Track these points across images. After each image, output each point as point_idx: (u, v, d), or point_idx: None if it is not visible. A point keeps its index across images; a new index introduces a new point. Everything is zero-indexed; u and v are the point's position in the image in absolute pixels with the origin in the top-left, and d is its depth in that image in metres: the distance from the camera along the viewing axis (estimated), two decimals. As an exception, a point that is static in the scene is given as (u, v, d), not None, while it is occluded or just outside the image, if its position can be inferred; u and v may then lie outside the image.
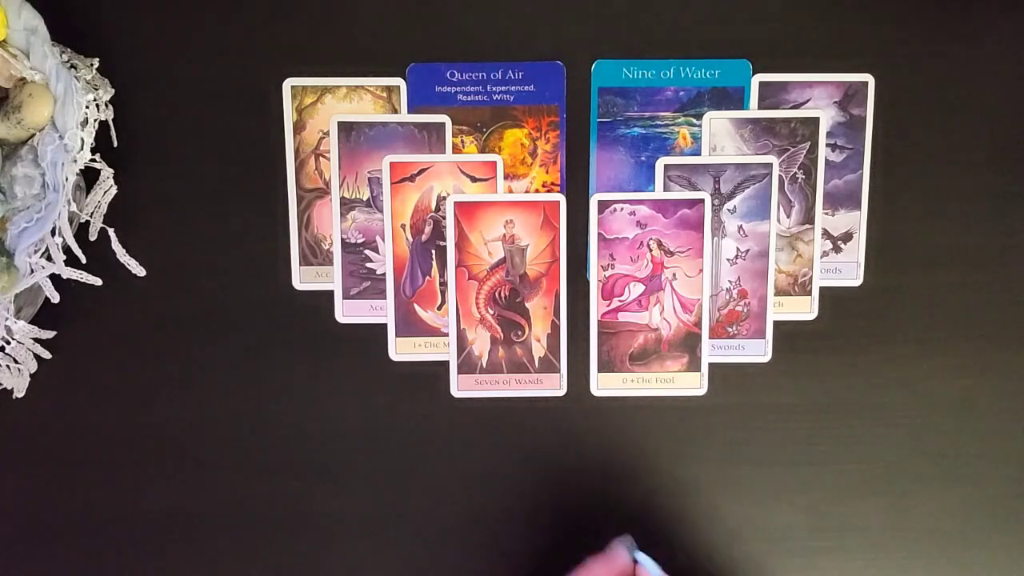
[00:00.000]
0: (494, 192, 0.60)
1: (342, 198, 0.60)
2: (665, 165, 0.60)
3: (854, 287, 0.61)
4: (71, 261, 0.55)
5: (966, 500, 0.62)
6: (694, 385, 0.61)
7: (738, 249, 0.61)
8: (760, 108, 0.60)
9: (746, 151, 0.60)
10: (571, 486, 0.61)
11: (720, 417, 0.61)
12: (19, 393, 0.59)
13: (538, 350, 0.61)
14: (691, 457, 0.61)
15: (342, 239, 0.60)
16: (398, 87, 0.60)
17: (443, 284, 0.61)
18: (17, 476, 0.61)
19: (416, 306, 0.61)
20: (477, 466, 0.61)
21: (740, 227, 0.61)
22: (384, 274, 0.61)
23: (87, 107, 0.54)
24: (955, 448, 0.61)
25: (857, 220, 0.61)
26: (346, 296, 0.61)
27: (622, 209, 0.60)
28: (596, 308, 0.61)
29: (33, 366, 0.59)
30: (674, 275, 0.60)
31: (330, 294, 0.61)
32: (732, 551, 0.62)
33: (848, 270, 0.61)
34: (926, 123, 0.60)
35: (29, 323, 0.57)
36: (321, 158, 0.60)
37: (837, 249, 0.61)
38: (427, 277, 0.61)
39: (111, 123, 0.57)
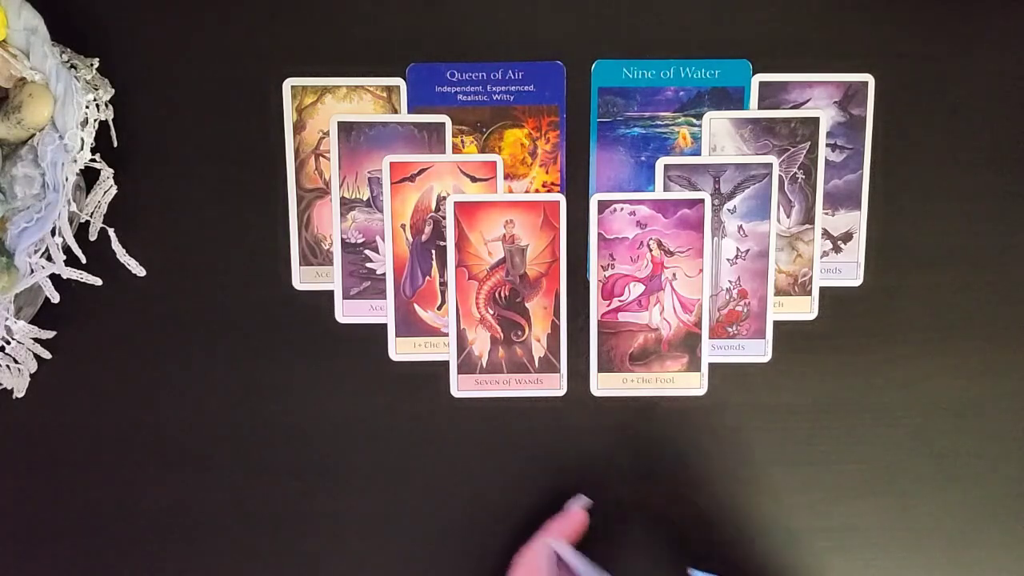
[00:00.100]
0: (494, 192, 0.60)
1: (342, 198, 0.60)
2: (665, 165, 0.60)
3: (854, 287, 0.61)
4: (71, 261, 0.55)
5: (966, 500, 0.62)
6: (694, 385, 0.61)
7: (738, 249, 0.61)
8: (760, 108, 0.60)
9: (746, 151, 0.60)
10: (571, 486, 0.61)
11: (720, 417, 0.61)
12: (19, 393, 0.59)
13: (538, 350, 0.61)
14: (691, 457, 0.61)
15: (342, 239, 0.60)
16: (398, 87, 0.60)
17: (443, 284, 0.61)
18: (17, 476, 0.61)
19: (416, 306, 0.61)
20: (477, 466, 0.61)
21: (740, 227, 0.61)
22: (384, 274, 0.61)
23: (87, 107, 0.54)
24: (955, 448, 0.61)
25: (857, 220, 0.61)
26: (346, 296, 0.61)
27: (622, 209, 0.60)
28: (596, 308, 0.61)
29: (33, 366, 0.59)
30: (674, 275, 0.60)
31: (330, 294, 0.61)
32: (732, 551, 0.62)
33: (848, 270, 0.61)
34: (926, 123, 0.60)
35: (29, 323, 0.57)
36: (321, 158, 0.60)
37: (837, 249, 0.61)
38: (427, 277, 0.61)
39: (111, 123, 0.57)
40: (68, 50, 0.56)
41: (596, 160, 0.60)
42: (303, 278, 0.61)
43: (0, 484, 0.61)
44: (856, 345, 0.61)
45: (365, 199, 0.60)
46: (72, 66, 0.54)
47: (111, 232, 0.58)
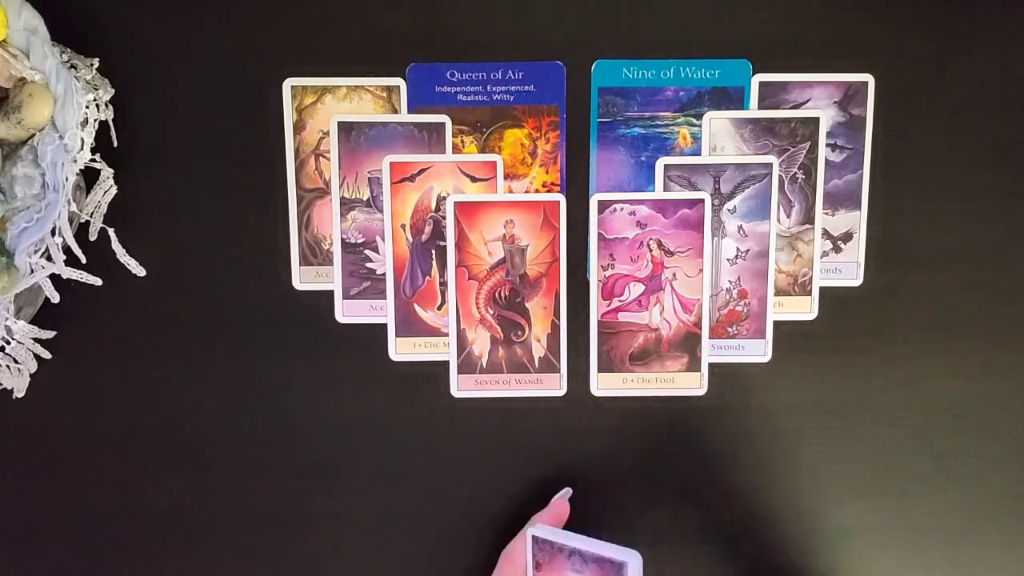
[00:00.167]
0: (494, 192, 0.60)
1: (342, 198, 0.60)
2: (665, 165, 0.60)
3: (854, 287, 0.61)
4: (71, 261, 0.55)
5: (966, 500, 0.62)
6: (694, 385, 0.61)
7: (738, 249, 0.61)
8: (760, 108, 0.60)
9: (746, 151, 0.60)
10: (571, 486, 0.61)
11: (720, 417, 0.61)
12: (19, 393, 0.59)
13: (538, 350, 0.61)
14: (691, 457, 0.61)
15: (342, 239, 0.60)
16: (398, 87, 0.60)
17: (443, 284, 0.61)
18: (17, 476, 0.61)
19: (416, 306, 0.61)
20: (477, 466, 0.61)
21: (740, 227, 0.61)
22: (384, 274, 0.61)
23: (87, 107, 0.54)
24: (955, 448, 0.61)
25: (857, 220, 0.61)
26: (346, 296, 0.61)
27: (622, 209, 0.60)
28: (596, 308, 0.61)
29: (33, 366, 0.59)
30: (674, 275, 0.60)
31: (330, 294, 0.61)
32: (732, 550, 0.62)
33: (848, 270, 0.61)
34: (926, 123, 0.60)
35: (29, 323, 0.57)
36: (321, 158, 0.60)
37: (837, 249, 0.61)
38: (427, 277, 0.61)
39: (111, 123, 0.57)
40: (68, 50, 0.56)
41: (596, 160, 0.60)
42: (303, 278, 0.61)
43: (0, 484, 0.61)
44: (856, 345, 0.61)
45: (365, 199, 0.60)
46: (72, 66, 0.54)
47: (111, 232, 0.58)
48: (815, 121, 0.60)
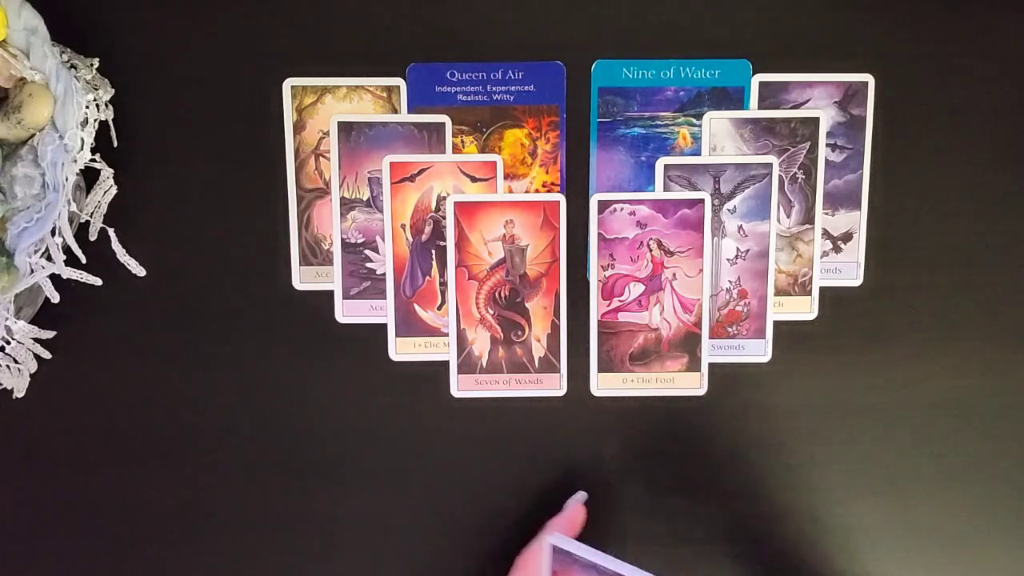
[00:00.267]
0: (494, 192, 0.60)
1: (342, 198, 0.60)
2: (665, 165, 0.60)
3: (854, 287, 0.61)
4: (71, 261, 0.55)
5: (966, 500, 0.62)
6: (694, 385, 0.61)
7: (738, 249, 0.61)
8: (760, 108, 0.60)
9: (746, 151, 0.60)
10: (571, 486, 0.61)
11: (720, 417, 0.61)
12: (19, 393, 0.59)
13: (538, 350, 0.61)
14: (691, 457, 0.61)
15: (342, 239, 0.60)
16: (398, 87, 0.60)
17: (443, 284, 0.61)
18: (17, 476, 0.61)
19: (416, 306, 0.61)
20: (477, 466, 0.61)
21: (740, 227, 0.61)
22: (384, 274, 0.61)
23: (87, 107, 0.54)
24: (955, 448, 0.61)
25: (857, 220, 0.61)
26: (346, 296, 0.61)
27: (622, 209, 0.60)
28: (596, 308, 0.61)
29: (33, 366, 0.59)
30: (674, 275, 0.60)
31: (330, 294, 0.61)
32: (732, 550, 0.62)
33: (848, 270, 0.61)
34: (926, 123, 0.60)
35: (29, 323, 0.57)
36: (321, 158, 0.60)
37: (837, 249, 0.61)
38: (427, 277, 0.61)
39: (111, 123, 0.57)
40: (68, 50, 0.56)
41: (596, 160, 0.60)
42: (303, 278, 0.61)
43: (0, 484, 0.61)
44: (856, 345, 0.61)
45: (365, 199, 0.60)
46: (72, 66, 0.54)
47: (111, 232, 0.58)
48: (815, 121, 0.60)
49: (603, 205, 0.60)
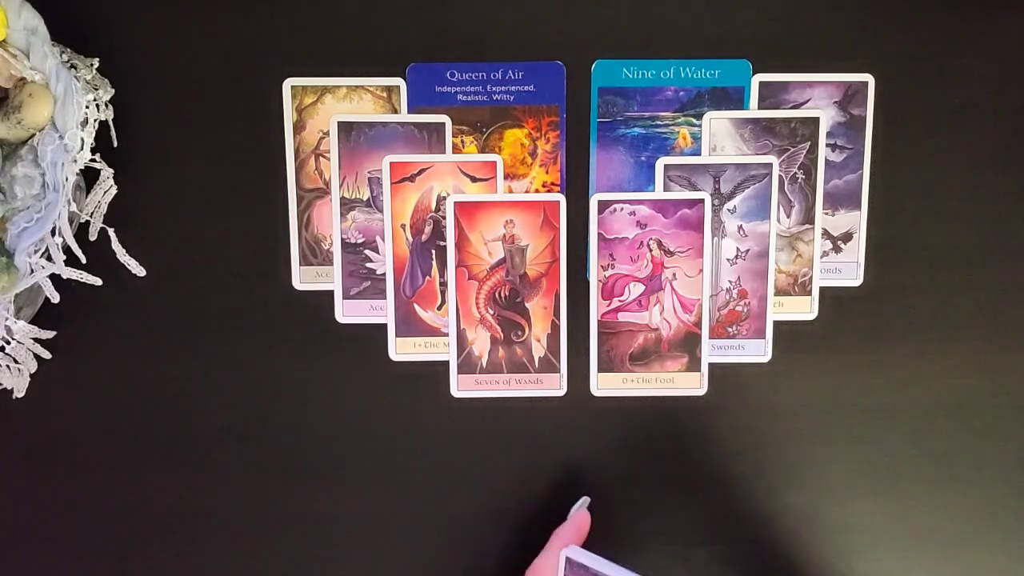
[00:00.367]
0: (494, 192, 0.60)
1: (342, 198, 0.60)
2: (665, 165, 0.60)
3: (854, 287, 0.61)
4: (71, 261, 0.55)
5: (966, 500, 0.62)
6: (694, 385, 0.61)
7: (738, 249, 0.61)
8: (760, 108, 0.60)
9: (746, 151, 0.60)
10: (571, 486, 0.61)
11: (720, 417, 0.61)
12: (19, 393, 0.59)
13: (538, 350, 0.61)
14: (691, 457, 0.61)
15: (342, 239, 0.60)
16: (398, 87, 0.60)
17: (443, 284, 0.61)
18: (17, 476, 0.61)
19: (416, 306, 0.61)
20: (477, 466, 0.61)
21: (740, 227, 0.61)
22: (384, 274, 0.61)
23: (87, 107, 0.54)
24: (955, 448, 0.61)
25: (857, 220, 0.61)
26: (346, 296, 0.61)
27: (622, 209, 0.60)
28: (596, 308, 0.61)
29: (33, 366, 0.59)
30: (674, 275, 0.60)
31: (330, 294, 0.61)
32: (732, 550, 0.62)
33: (848, 270, 0.61)
34: (926, 123, 0.60)
35: (29, 323, 0.57)
36: (321, 158, 0.60)
37: (837, 249, 0.61)
38: (427, 277, 0.61)
39: (111, 123, 0.57)
40: (68, 50, 0.56)
41: (596, 160, 0.60)
42: (303, 278, 0.61)
43: (0, 484, 0.61)
44: (856, 345, 0.61)
45: (365, 199, 0.60)
46: (72, 66, 0.54)
47: (111, 232, 0.58)
48: (815, 121, 0.60)
49: (603, 205, 0.60)
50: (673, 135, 0.60)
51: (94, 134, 0.55)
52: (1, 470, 0.61)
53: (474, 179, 0.60)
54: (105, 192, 0.57)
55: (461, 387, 0.61)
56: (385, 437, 0.61)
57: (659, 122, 0.60)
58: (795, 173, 0.60)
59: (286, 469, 0.61)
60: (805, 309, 0.61)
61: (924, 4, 0.59)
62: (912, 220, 0.61)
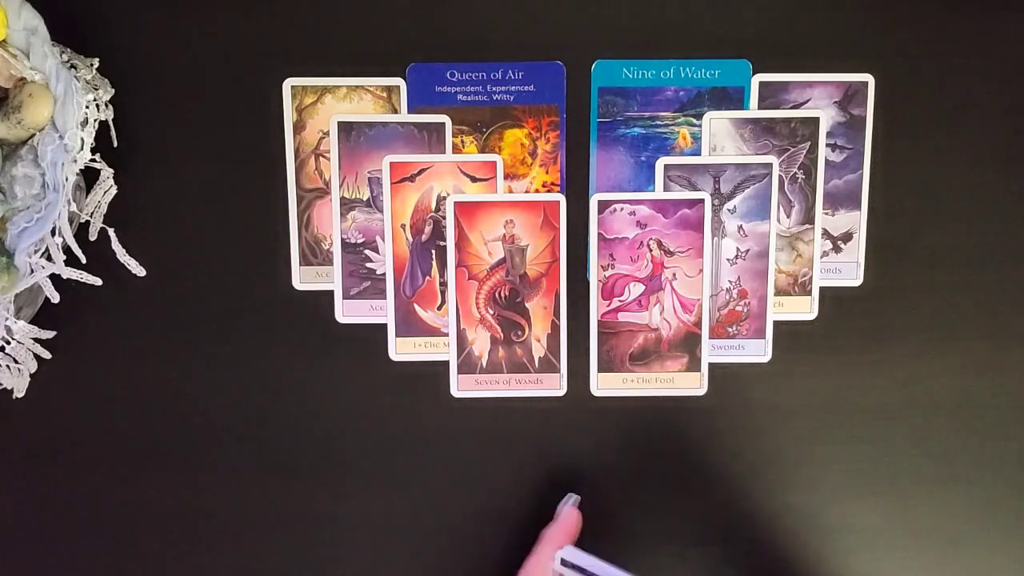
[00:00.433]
0: (494, 192, 0.60)
1: (342, 198, 0.60)
2: (665, 165, 0.60)
3: (854, 287, 0.61)
4: (71, 261, 0.55)
5: (966, 500, 0.62)
6: (694, 385, 0.61)
7: (738, 249, 0.61)
8: (760, 108, 0.60)
9: (746, 151, 0.60)
10: (571, 486, 0.61)
11: (720, 417, 0.61)
12: (19, 393, 0.59)
13: (538, 350, 0.61)
14: (691, 457, 0.61)
15: (342, 239, 0.60)
16: (398, 87, 0.60)
17: (443, 284, 0.61)
18: (17, 476, 0.61)
19: (416, 306, 0.61)
20: (477, 466, 0.61)
21: (740, 227, 0.61)
22: (384, 274, 0.61)
23: (87, 107, 0.54)
24: (955, 448, 0.61)
25: (857, 220, 0.61)
26: (346, 296, 0.61)
27: (622, 209, 0.60)
28: (596, 308, 0.61)
29: (33, 366, 0.59)
30: (674, 275, 0.60)
31: (330, 294, 0.61)
32: (732, 550, 0.62)
33: (848, 270, 0.61)
34: (926, 123, 0.60)
35: (29, 323, 0.57)
36: (321, 158, 0.60)
37: (837, 249, 0.61)
38: (427, 277, 0.61)
39: (111, 123, 0.57)
40: (68, 50, 0.56)
41: (596, 160, 0.60)
42: (303, 278, 0.61)
43: (0, 484, 0.61)
44: (856, 345, 0.61)
45: (365, 199, 0.60)
46: (72, 66, 0.54)
47: (111, 232, 0.58)
48: (815, 121, 0.60)
49: (603, 205, 0.60)
50: (673, 135, 0.60)
51: (94, 134, 0.55)
52: (1, 470, 0.61)
53: (474, 179, 0.60)
54: (105, 192, 0.57)
55: (461, 387, 0.61)
56: (385, 437, 0.61)
57: (659, 122, 0.60)
58: (795, 173, 0.60)
59: (286, 469, 0.61)
60: (805, 309, 0.61)
61: (924, 4, 0.59)
62: (912, 220, 0.61)
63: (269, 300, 0.60)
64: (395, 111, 0.60)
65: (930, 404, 0.61)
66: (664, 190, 0.60)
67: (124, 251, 0.58)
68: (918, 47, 0.60)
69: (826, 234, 0.61)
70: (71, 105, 0.53)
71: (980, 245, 0.61)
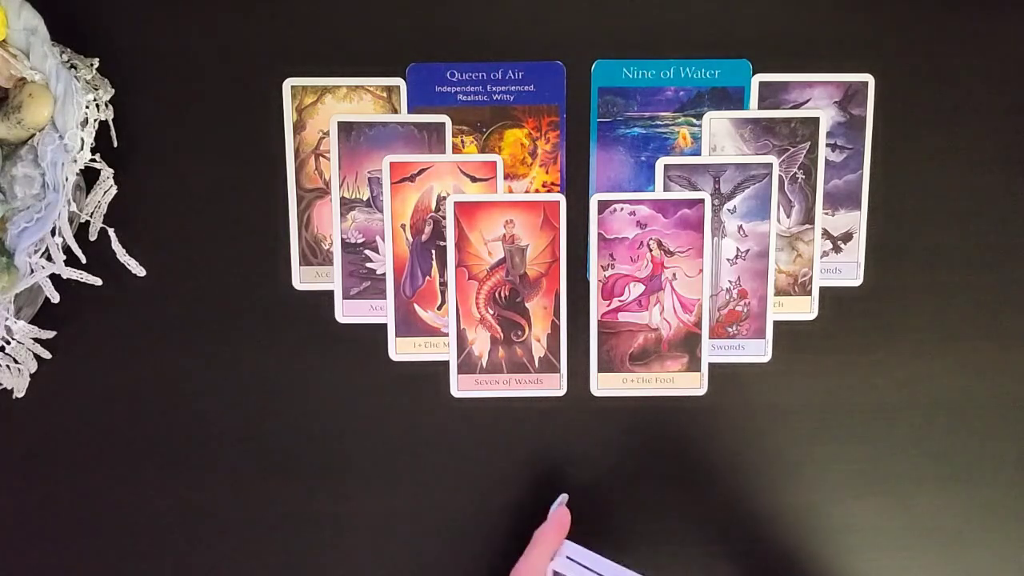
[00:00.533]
0: (494, 192, 0.60)
1: (342, 198, 0.60)
2: (665, 165, 0.60)
3: (854, 287, 0.61)
4: (71, 261, 0.55)
5: (966, 500, 0.62)
6: (694, 385, 0.61)
7: (738, 249, 0.61)
8: (760, 108, 0.60)
9: (746, 151, 0.60)
10: (571, 486, 0.61)
11: (720, 417, 0.61)
12: (19, 393, 0.59)
13: (538, 350, 0.61)
14: (691, 457, 0.61)
15: (342, 239, 0.60)
16: (398, 87, 0.60)
17: (443, 284, 0.61)
18: (17, 476, 0.61)
19: (416, 306, 0.61)
20: (477, 466, 0.61)
21: (740, 227, 0.61)
22: (384, 274, 0.61)
23: (87, 107, 0.54)
24: (955, 448, 0.61)
25: (857, 220, 0.61)
26: (346, 296, 0.61)
27: (622, 209, 0.60)
28: (596, 308, 0.61)
29: (33, 366, 0.59)
30: (674, 275, 0.60)
31: (330, 294, 0.61)
32: (732, 550, 0.62)
33: (848, 270, 0.61)
34: (926, 123, 0.60)
35: (29, 323, 0.57)
36: (321, 158, 0.60)
37: (837, 249, 0.61)
38: (427, 277, 0.61)
39: (111, 123, 0.57)
40: (68, 50, 0.56)
41: (596, 160, 0.60)
42: (303, 278, 0.61)
43: (0, 484, 0.61)
44: (856, 345, 0.61)
45: (365, 199, 0.60)
46: (72, 66, 0.54)
47: (111, 232, 0.58)
48: (815, 121, 0.60)
49: (603, 205, 0.60)
50: (673, 135, 0.60)
51: (94, 134, 0.55)
52: (1, 470, 0.61)
53: (474, 179, 0.60)
54: (105, 192, 0.57)
55: (461, 387, 0.61)
56: (385, 437, 0.61)
57: (659, 122, 0.60)
58: (795, 173, 0.60)
59: (286, 469, 0.61)
60: (805, 309, 0.61)
61: (924, 4, 0.59)
62: (912, 220, 0.61)
63: (269, 300, 0.60)
64: (395, 111, 0.60)
65: (930, 404, 0.61)
66: (664, 190, 0.60)
67: (124, 251, 0.58)
68: (918, 47, 0.60)
69: (826, 234, 0.61)
70: (71, 105, 0.53)
71: (980, 245, 0.61)
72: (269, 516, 0.61)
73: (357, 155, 0.60)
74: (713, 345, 0.61)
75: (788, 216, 0.61)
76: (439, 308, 0.61)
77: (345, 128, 0.60)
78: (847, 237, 0.61)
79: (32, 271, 0.54)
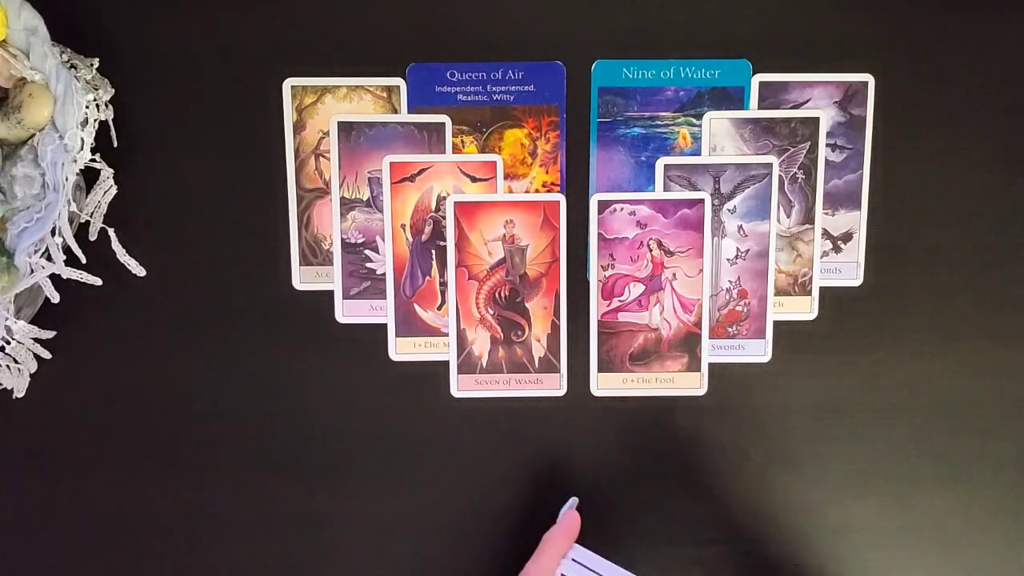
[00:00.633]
0: (494, 192, 0.60)
1: (342, 198, 0.60)
2: (665, 165, 0.60)
3: (854, 287, 0.61)
4: (71, 261, 0.55)
5: (966, 500, 0.62)
6: (694, 385, 0.61)
7: (738, 249, 0.61)
8: (760, 108, 0.60)
9: (746, 151, 0.60)
10: (571, 486, 0.61)
11: (720, 417, 0.61)
12: (19, 393, 0.59)
13: (538, 350, 0.61)
14: (691, 457, 0.61)
15: (342, 239, 0.60)
16: (398, 87, 0.60)
17: (443, 284, 0.61)
18: (17, 476, 0.61)
19: (416, 306, 0.61)
20: (477, 466, 0.61)
21: (740, 227, 0.61)
22: (384, 274, 0.61)
23: (87, 107, 0.54)
24: (955, 448, 0.61)
25: (857, 220, 0.61)
26: (346, 296, 0.61)
27: (622, 209, 0.60)
28: (596, 308, 0.61)
29: (33, 366, 0.59)
30: (674, 275, 0.60)
31: (330, 294, 0.61)
32: (732, 550, 0.62)
33: (848, 270, 0.61)
34: (926, 123, 0.60)
35: (29, 323, 0.57)
36: (321, 158, 0.60)
37: (837, 249, 0.61)
38: (427, 277, 0.61)
39: (111, 123, 0.57)
40: (68, 50, 0.56)
41: (596, 160, 0.60)
42: (303, 278, 0.61)
43: (0, 484, 0.61)
44: (856, 345, 0.61)
45: (365, 199, 0.60)
46: (72, 66, 0.54)
47: (111, 232, 0.58)
48: (815, 121, 0.60)
49: (603, 205, 0.60)
50: (673, 135, 0.60)
51: (94, 134, 0.55)
52: (1, 470, 0.61)
53: (474, 179, 0.60)
54: (105, 192, 0.57)
55: (461, 387, 0.61)
56: (385, 437, 0.61)
57: (659, 122, 0.60)
58: (795, 173, 0.60)
59: (286, 469, 0.61)
60: (805, 309, 0.61)
61: (924, 4, 0.59)
62: (912, 220, 0.61)
63: (269, 300, 0.60)
64: (395, 111, 0.60)
65: (930, 404, 0.61)
66: (664, 190, 0.60)
67: (124, 251, 0.58)
68: (918, 47, 0.60)
69: (826, 234, 0.61)
70: (71, 105, 0.53)
71: (980, 245, 0.61)
72: (269, 516, 0.61)
73: (357, 155, 0.60)
74: (713, 345, 0.61)
75: (788, 216, 0.61)
76: (439, 308, 0.61)
77: (345, 128, 0.60)
78: (847, 237, 0.61)
79: (32, 271, 0.54)
